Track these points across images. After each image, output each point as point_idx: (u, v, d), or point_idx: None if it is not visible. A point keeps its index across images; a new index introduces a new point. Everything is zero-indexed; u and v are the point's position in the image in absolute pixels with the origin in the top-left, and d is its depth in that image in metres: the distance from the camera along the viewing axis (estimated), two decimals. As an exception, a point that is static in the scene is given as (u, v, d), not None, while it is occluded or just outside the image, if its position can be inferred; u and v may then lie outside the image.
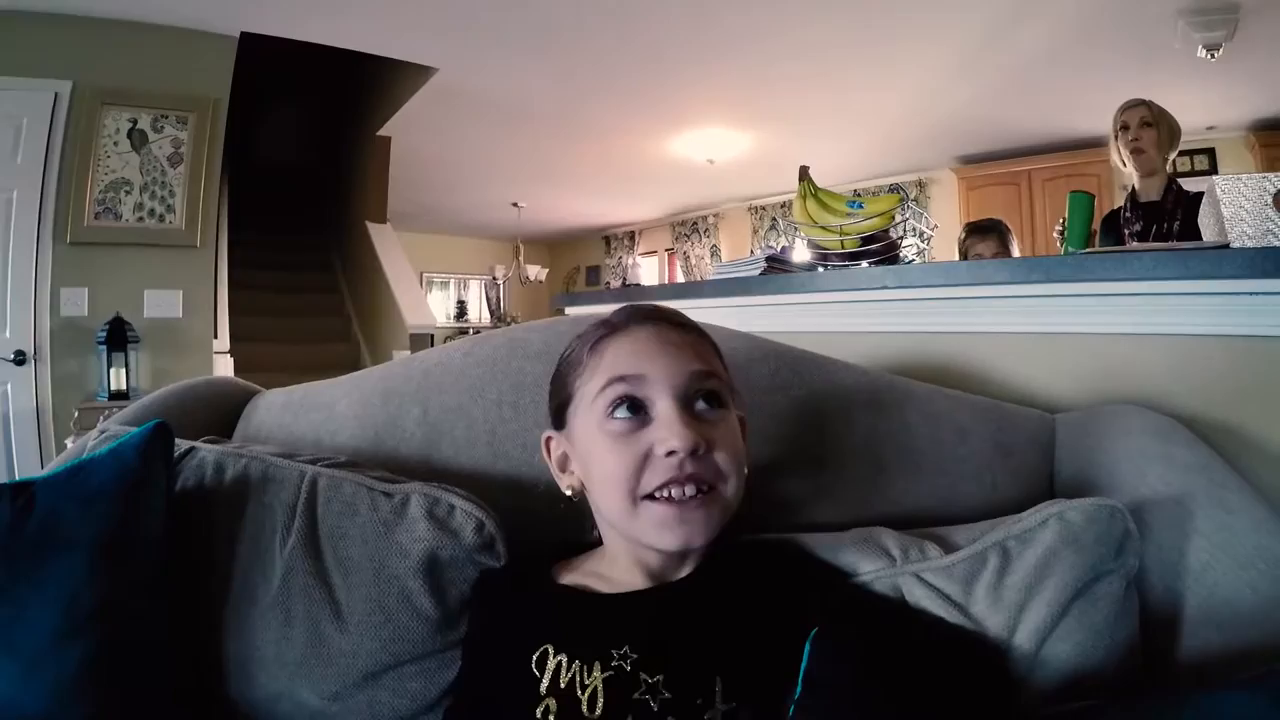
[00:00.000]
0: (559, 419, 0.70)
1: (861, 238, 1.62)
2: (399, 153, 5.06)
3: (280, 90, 5.98)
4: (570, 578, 0.69)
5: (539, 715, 0.58)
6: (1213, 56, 3.19)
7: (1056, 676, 0.63)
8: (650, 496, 0.61)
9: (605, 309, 0.78)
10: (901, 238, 1.61)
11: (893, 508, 0.87)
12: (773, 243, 6.46)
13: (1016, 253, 2.64)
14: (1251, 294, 0.99)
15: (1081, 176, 4.57)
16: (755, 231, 6.85)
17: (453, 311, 8.53)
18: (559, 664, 0.60)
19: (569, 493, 0.70)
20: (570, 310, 2.10)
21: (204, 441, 0.83)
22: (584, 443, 0.66)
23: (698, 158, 5.41)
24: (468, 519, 0.73)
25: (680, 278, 7.44)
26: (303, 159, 6.63)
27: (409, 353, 3.97)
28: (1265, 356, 0.99)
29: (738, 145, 5.19)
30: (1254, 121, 4.34)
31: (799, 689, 0.54)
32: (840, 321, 1.47)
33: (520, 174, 6.11)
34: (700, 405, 0.63)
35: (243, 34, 3.33)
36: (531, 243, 8.88)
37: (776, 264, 1.78)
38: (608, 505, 0.64)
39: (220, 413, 1.00)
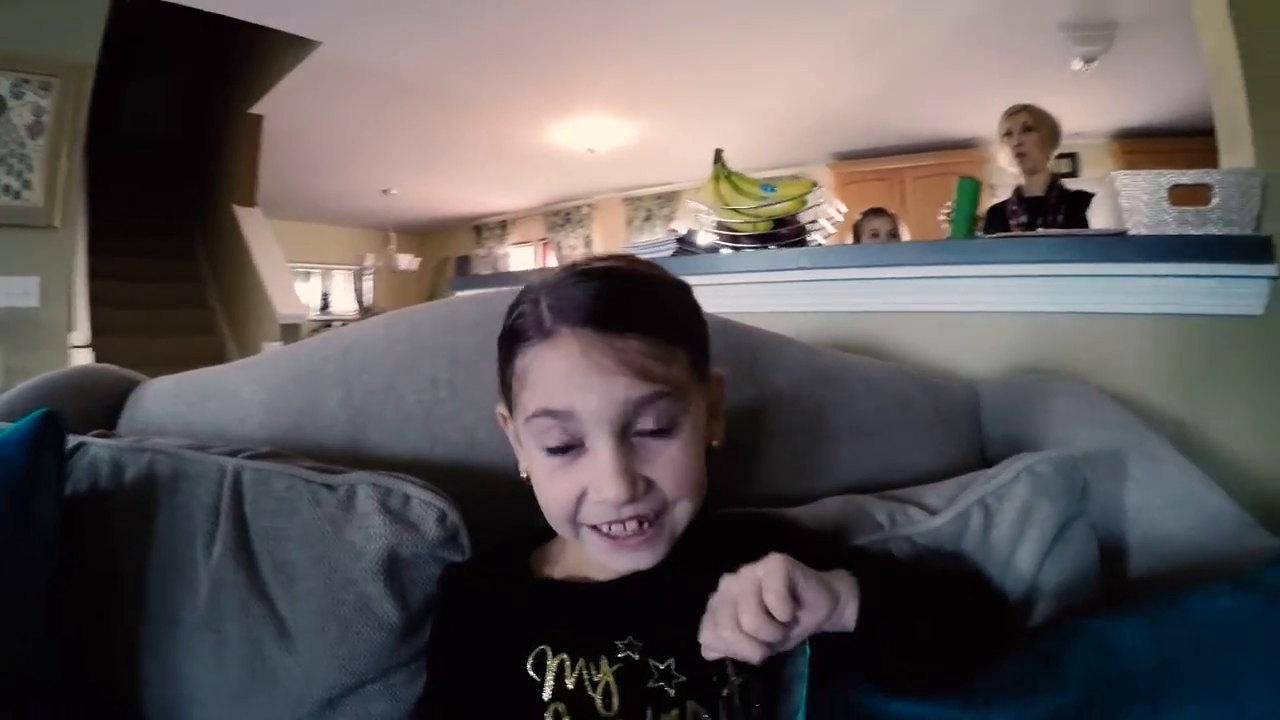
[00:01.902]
0: (506, 398, 0.61)
1: (773, 221, 1.63)
2: (270, 133, 4.66)
3: (148, 58, 5.37)
4: (551, 568, 0.62)
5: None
6: (1088, 68, 3.46)
7: (1047, 611, 0.66)
8: (591, 526, 0.56)
9: (504, 291, 0.72)
10: (813, 221, 1.63)
11: (843, 475, 0.86)
12: (647, 234, 6.45)
13: (907, 237, 2.80)
14: (1143, 276, 1.06)
15: (953, 175, 4.79)
16: (630, 222, 6.79)
17: (317, 304, 8.04)
18: (561, 664, 0.54)
19: (523, 475, 0.62)
20: (465, 294, 1.99)
21: (94, 436, 0.68)
22: (525, 447, 0.60)
23: (577, 146, 5.29)
24: (428, 510, 0.63)
25: (553, 268, 7.31)
26: (168, 134, 5.94)
27: (280, 344, 3.69)
28: (1158, 332, 1.08)
29: (619, 135, 5.12)
30: (1116, 130, 4.70)
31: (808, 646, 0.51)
32: (758, 302, 1.46)
33: (394, 158, 5.76)
34: (641, 434, 0.55)
35: (116, -7, 2.90)
36: (401, 232, 8.40)
37: (686, 246, 1.76)
38: (551, 520, 0.59)
39: (100, 406, 0.83)
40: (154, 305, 4.73)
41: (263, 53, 4.23)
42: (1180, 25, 3.22)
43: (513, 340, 0.58)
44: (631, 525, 0.55)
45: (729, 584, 0.50)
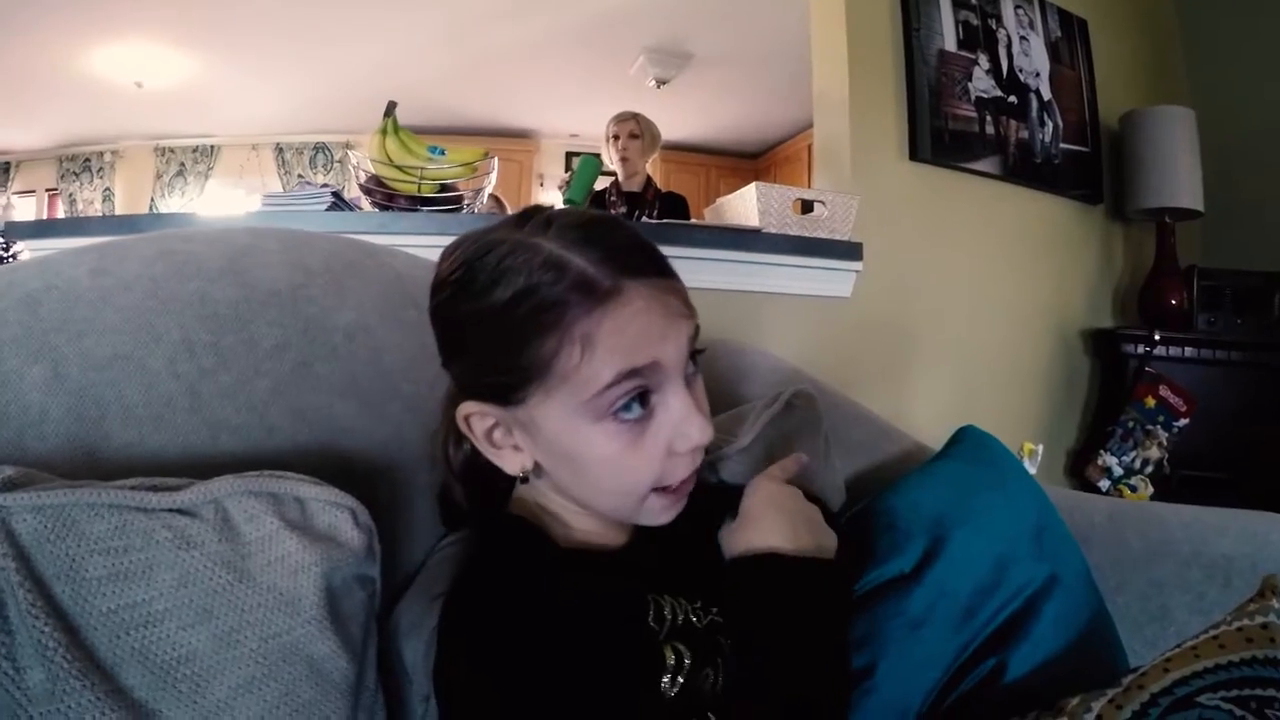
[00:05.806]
0: (502, 394, 0.50)
1: (440, 185, 1.58)
2: None
3: None
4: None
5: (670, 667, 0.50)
6: (659, 88, 3.94)
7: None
8: (661, 489, 0.52)
9: (89, 242, 0.63)
10: (481, 190, 1.62)
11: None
12: (179, 191, 5.49)
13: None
14: (772, 265, 1.35)
15: (508, 161, 5.03)
16: (159, 176, 5.57)
17: None
18: (671, 606, 0.53)
19: (520, 474, 0.54)
20: (35, 243, 1.49)
21: None
22: (570, 433, 0.49)
23: (124, 78, 4.14)
24: (336, 512, 0.45)
25: (63, 224, 5.74)
26: None
27: None
28: (782, 306, 1.37)
29: (174, 69, 4.09)
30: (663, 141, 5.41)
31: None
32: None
33: None
34: (689, 370, 0.52)
35: None
36: None
37: (340, 201, 1.60)
38: (605, 499, 0.53)
39: None
40: None
41: None
42: (742, 66, 3.95)
43: (546, 312, 0.47)
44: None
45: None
